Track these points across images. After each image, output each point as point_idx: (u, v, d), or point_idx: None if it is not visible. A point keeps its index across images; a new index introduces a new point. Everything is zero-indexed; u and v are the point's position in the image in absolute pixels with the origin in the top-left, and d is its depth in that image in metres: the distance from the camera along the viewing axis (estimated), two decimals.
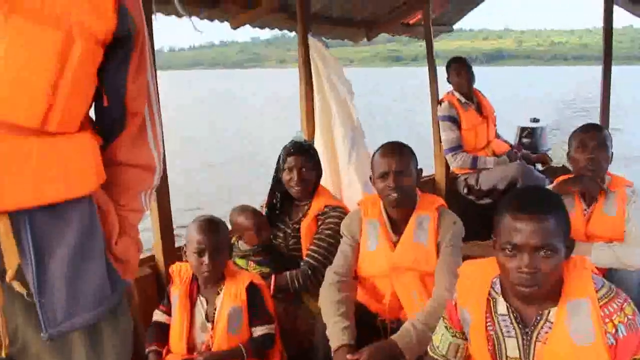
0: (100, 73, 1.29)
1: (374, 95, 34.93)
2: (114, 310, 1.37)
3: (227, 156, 14.99)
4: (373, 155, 2.56)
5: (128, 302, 2.67)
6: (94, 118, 1.40)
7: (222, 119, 25.60)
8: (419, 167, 2.56)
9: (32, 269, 1.18)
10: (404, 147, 2.54)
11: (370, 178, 2.58)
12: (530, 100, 29.49)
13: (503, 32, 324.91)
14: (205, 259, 2.34)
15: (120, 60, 1.32)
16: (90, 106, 1.33)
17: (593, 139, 2.69)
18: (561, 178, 2.86)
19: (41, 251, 1.19)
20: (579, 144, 2.71)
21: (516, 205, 1.66)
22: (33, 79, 1.13)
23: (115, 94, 1.34)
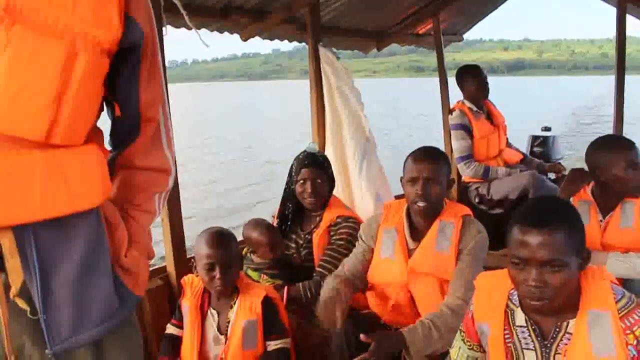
0: (111, 83, 1.28)
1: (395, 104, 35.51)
2: (122, 324, 1.35)
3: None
4: (407, 158, 2.51)
5: (140, 313, 2.68)
6: (107, 125, 1.39)
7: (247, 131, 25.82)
8: (451, 177, 2.53)
9: (37, 285, 1.17)
10: (438, 154, 2.50)
11: (401, 179, 2.54)
12: (547, 109, 29.69)
13: (523, 43, 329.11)
14: (217, 273, 2.31)
15: (131, 69, 1.31)
16: (98, 117, 1.32)
17: (636, 155, 2.61)
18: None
19: (46, 267, 1.17)
20: (628, 163, 2.59)
21: (525, 217, 1.62)
22: (37, 92, 1.11)
23: (128, 103, 1.34)
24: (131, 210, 1.40)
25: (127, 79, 1.32)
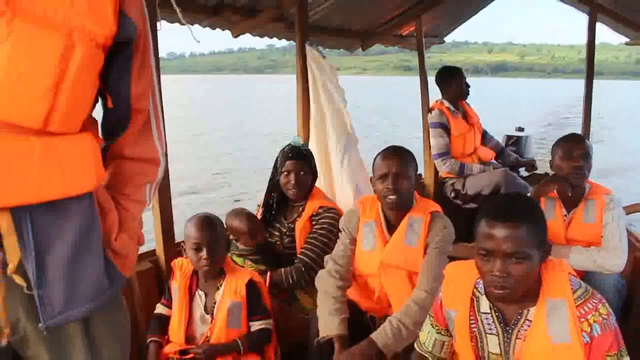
0: (104, 75, 1.33)
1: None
2: (111, 302, 1.42)
3: None
4: (375, 158, 2.62)
5: (130, 294, 2.77)
6: (100, 115, 1.45)
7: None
8: (417, 172, 2.63)
9: (32, 263, 1.22)
10: (405, 151, 2.60)
11: (371, 179, 2.65)
12: (526, 109, 30.04)
13: (506, 46, 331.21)
14: (204, 253, 2.43)
15: (123, 63, 1.36)
16: (93, 107, 1.38)
17: (578, 148, 2.81)
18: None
19: (41, 246, 1.23)
20: (564, 153, 2.82)
21: (492, 212, 1.71)
22: (35, 82, 1.15)
23: (119, 95, 1.39)
24: (121, 199, 1.45)
25: (120, 72, 1.37)
